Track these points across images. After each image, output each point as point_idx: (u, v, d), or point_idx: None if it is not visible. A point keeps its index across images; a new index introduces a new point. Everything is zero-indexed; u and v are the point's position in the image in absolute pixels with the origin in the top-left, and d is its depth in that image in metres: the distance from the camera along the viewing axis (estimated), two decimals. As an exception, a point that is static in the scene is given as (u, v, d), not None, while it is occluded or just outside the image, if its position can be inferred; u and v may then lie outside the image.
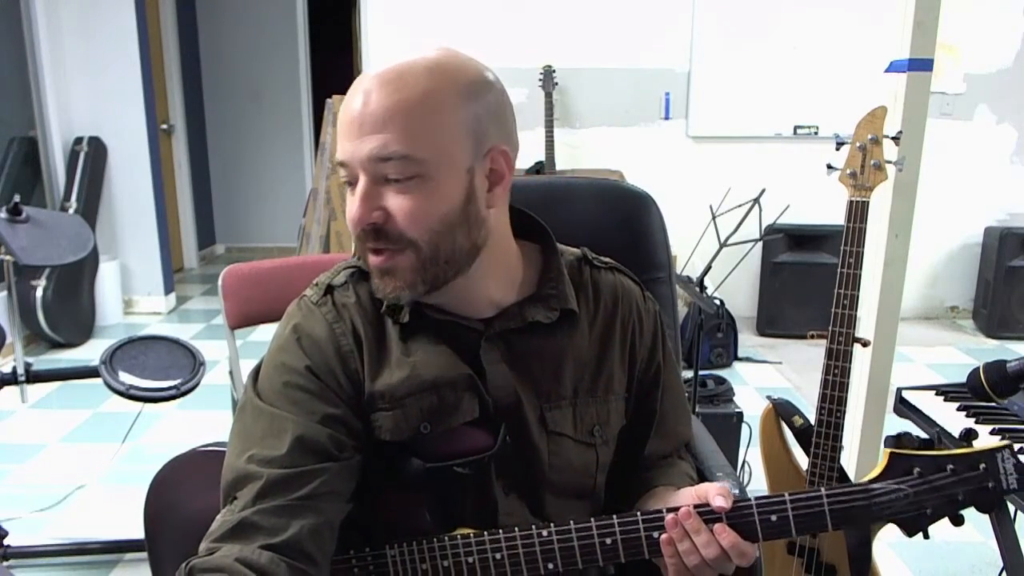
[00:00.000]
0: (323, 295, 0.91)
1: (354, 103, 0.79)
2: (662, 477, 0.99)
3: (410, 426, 0.86)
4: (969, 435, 0.82)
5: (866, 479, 0.81)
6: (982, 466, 0.78)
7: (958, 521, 0.80)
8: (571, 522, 0.83)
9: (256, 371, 0.90)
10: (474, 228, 0.84)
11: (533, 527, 0.83)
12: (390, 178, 0.80)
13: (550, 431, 0.91)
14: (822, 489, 0.79)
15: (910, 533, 0.80)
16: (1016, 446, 1.19)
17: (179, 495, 1.03)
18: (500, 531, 0.84)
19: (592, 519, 0.82)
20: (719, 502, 0.80)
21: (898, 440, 0.82)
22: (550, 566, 0.82)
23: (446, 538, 0.85)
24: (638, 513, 0.82)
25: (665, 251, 1.29)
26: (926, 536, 0.81)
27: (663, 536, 0.81)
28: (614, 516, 0.82)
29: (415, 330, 0.89)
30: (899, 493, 0.78)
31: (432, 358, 0.88)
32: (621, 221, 1.29)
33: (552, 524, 0.83)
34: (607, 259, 1.02)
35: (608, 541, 0.81)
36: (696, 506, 0.81)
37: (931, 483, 0.78)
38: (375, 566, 0.87)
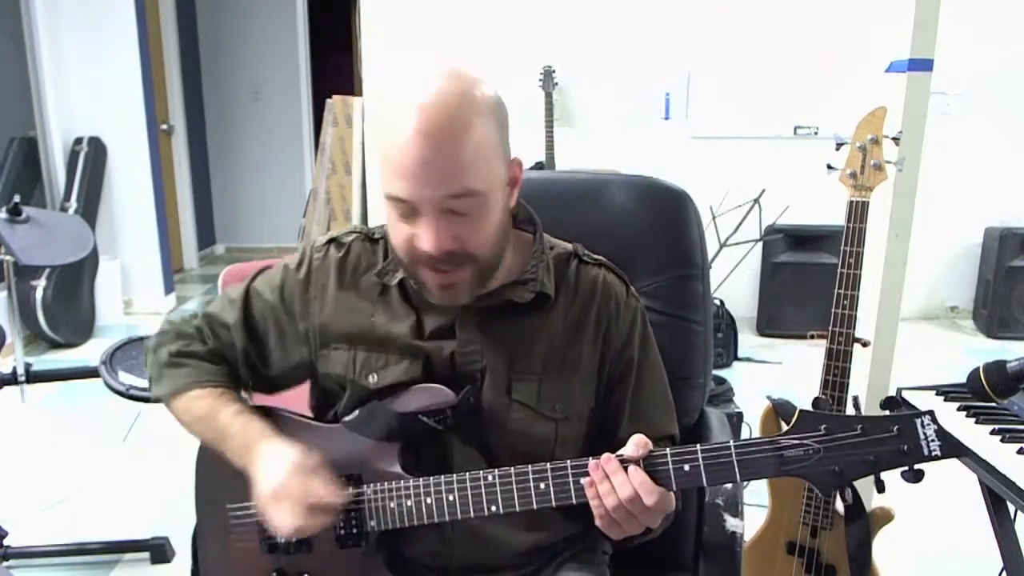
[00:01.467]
0: (324, 245, 1.08)
1: (414, 149, 0.86)
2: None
3: (356, 368, 1.02)
4: (891, 402, 0.85)
5: (775, 435, 0.84)
6: (895, 428, 0.79)
7: (880, 487, 0.82)
8: (512, 469, 0.92)
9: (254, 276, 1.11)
10: (508, 227, 0.99)
11: (480, 472, 0.93)
12: (457, 211, 0.89)
13: (513, 399, 1.01)
14: (730, 441, 0.85)
15: (825, 492, 0.83)
16: (997, 439, 1.19)
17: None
18: (454, 475, 0.94)
19: (530, 466, 0.92)
20: (631, 450, 0.88)
21: (814, 402, 0.86)
22: (493, 508, 0.92)
23: (411, 480, 0.96)
24: (568, 461, 0.91)
25: (700, 249, 1.30)
26: (844, 500, 0.85)
27: (586, 479, 0.89)
28: (547, 464, 0.91)
29: (399, 295, 1.03)
30: (805, 448, 0.81)
31: (398, 320, 1.02)
32: (656, 218, 1.30)
33: (496, 470, 0.92)
34: (599, 257, 1.10)
35: (541, 486, 0.91)
36: (618, 456, 0.89)
37: (838, 440, 0.81)
38: (354, 502, 0.98)
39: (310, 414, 1.12)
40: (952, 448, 0.79)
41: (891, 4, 1.85)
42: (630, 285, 1.09)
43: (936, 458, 0.78)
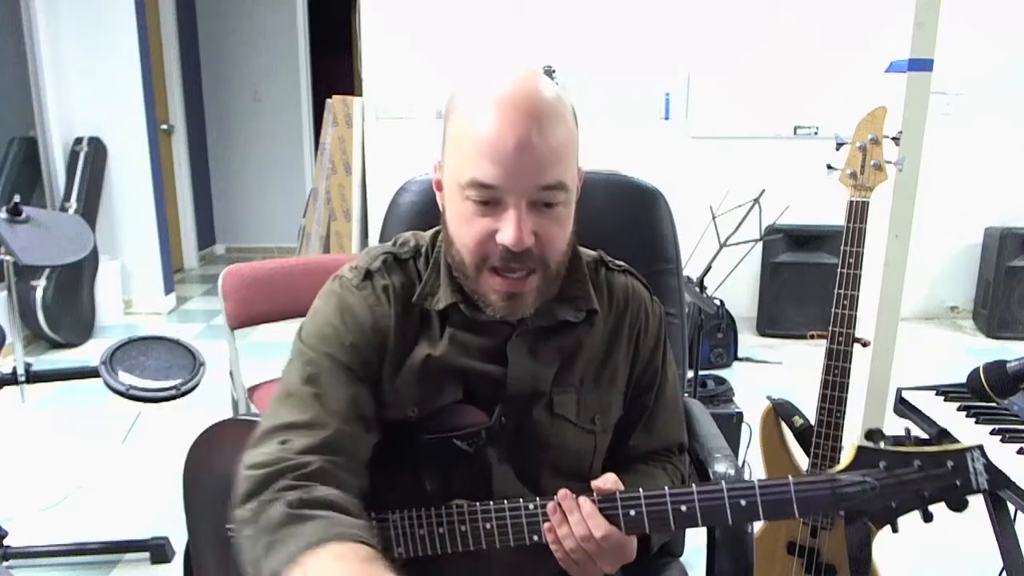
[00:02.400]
0: (363, 279, 0.96)
1: (513, 132, 0.82)
2: (627, 483, 1.00)
3: (401, 406, 0.93)
4: (941, 435, 0.84)
5: (834, 471, 0.83)
6: (949, 464, 0.80)
7: (927, 517, 0.82)
8: (556, 498, 0.88)
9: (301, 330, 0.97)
10: (574, 242, 0.95)
11: (521, 500, 0.89)
12: (546, 205, 0.85)
13: (555, 413, 0.97)
14: (790, 478, 0.83)
15: (878, 526, 0.83)
16: (997, 439, 1.19)
17: (212, 459, 1.09)
18: (491, 502, 0.90)
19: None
20: (598, 483, 0.87)
21: (868, 434, 0.85)
22: (535, 537, 0.88)
23: (443, 508, 0.91)
24: (617, 494, 0.87)
25: (673, 244, 1.33)
26: (895, 529, 0.83)
27: (545, 524, 0.87)
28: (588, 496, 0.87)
29: (435, 322, 0.95)
30: (864, 485, 0.81)
31: (436, 344, 0.94)
32: (630, 214, 1.33)
33: (538, 499, 0.89)
34: (620, 262, 1.08)
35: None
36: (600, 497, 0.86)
37: (897, 477, 0.81)
38: (379, 530, 0.91)
39: None
40: (998, 481, 0.81)
41: (891, 4, 1.85)
42: (652, 291, 1.08)
43: (984, 491, 0.80)
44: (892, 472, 0.81)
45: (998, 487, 0.80)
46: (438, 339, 0.95)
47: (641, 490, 0.86)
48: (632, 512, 0.85)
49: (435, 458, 0.92)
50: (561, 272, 0.93)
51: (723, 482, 0.84)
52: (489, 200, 0.85)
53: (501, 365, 0.95)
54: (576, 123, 0.91)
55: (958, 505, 0.80)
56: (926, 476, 0.80)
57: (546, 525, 0.87)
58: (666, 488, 0.85)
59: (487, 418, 0.93)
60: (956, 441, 0.84)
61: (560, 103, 0.87)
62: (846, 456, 0.83)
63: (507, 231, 0.84)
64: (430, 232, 1.02)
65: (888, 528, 0.81)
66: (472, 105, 0.86)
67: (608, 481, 0.88)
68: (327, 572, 0.72)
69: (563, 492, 0.87)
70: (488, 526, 0.89)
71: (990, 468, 0.80)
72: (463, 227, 0.88)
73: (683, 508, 0.84)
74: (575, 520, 0.85)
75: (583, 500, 0.86)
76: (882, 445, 0.83)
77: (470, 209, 0.86)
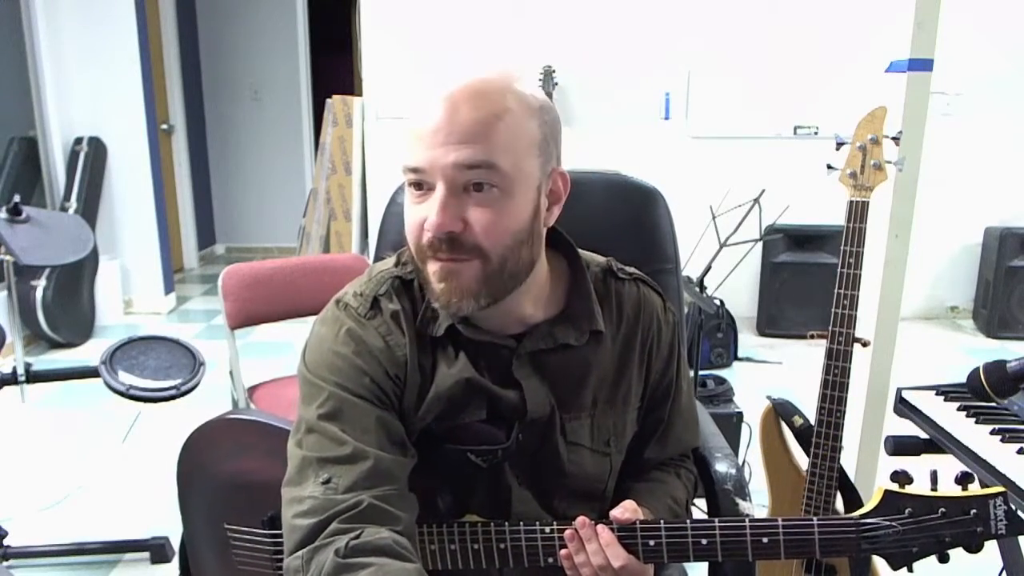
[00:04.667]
0: (371, 308, 0.91)
1: (437, 113, 0.82)
2: (643, 495, 1.00)
3: (417, 427, 0.91)
4: (965, 479, 0.84)
5: (857, 513, 0.83)
6: (973, 511, 0.81)
7: (944, 559, 0.82)
8: (572, 523, 0.86)
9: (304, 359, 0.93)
10: (536, 245, 0.89)
11: (537, 523, 0.88)
12: (472, 187, 0.82)
13: (569, 441, 0.95)
14: (815, 519, 0.83)
15: (895, 567, 0.83)
16: (997, 439, 1.19)
17: (205, 457, 1.08)
18: (506, 523, 0.88)
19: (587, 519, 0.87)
20: (617, 512, 0.86)
21: (893, 476, 0.84)
22: (550, 560, 0.87)
23: (455, 524, 0.89)
24: (638, 521, 0.86)
25: (672, 243, 1.33)
26: (910, 571, 0.84)
27: (562, 551, 0.86)
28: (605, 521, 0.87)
29: (446, 344, 0.92)
30: (889, 530, 0.81)
31: (455, 372, 0.91)
32: (629, 214, 1.33)
33: (555, 522, 0.87)
34: (631, 269, 1.04)
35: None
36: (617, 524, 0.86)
37: (921, 523, 0.81)
38: None
39: None
40: (1016, 528, 0.81)
41: (891, 4, 1.85)
42: (665, 297, 1.06)
43: (1001, 536, 0.81)
44: (917, 518, 0.81)
45: (1015, 533, 0.81)
46: (454, 359, 0.92)
47: (663, 522, 0.85)
48: (652, 543, 0.85)
49: (451, 470, 0.91)
50: (513, 268, 0.86)
51: (747, 519, 0.84)
52: (421, 186, 0.84)
53: (514, 388, 0.93)
54: (546, 121, 0.87)
55: (975, 549, 0.81)
56: (949, 523, 0.80)
57: (563, 552, 0.86)
58: (688, 522, 0.85)
59: (504, 439, 0.91)
60: (978, 483, 0.85)
61: (507, 91, 0.84)
62: (872, 499, 0.83)
63: (430, 214, 0.82)
64: None
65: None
66: (415, 103, 0.87)
67: (627, 511, 0.87)
68: None
69: (581, 520, 0.86)
70: (503, 546, 0.88)
71: (1010, 515, 0.81)
72: (407, 219, 0.87)
73: (704, 542, 0.84)
74: (592, 549, 0.85)
75: (601, 528, 0.85)
76: (907, 489, 0.83)
77: (410, 198, 0.86)
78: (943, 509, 0.81)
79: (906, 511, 0.81)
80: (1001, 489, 0.81)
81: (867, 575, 1.54)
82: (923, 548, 0.81)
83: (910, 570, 0.83)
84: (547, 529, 0.87)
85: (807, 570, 1.62)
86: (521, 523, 0.88)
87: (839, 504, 1.52)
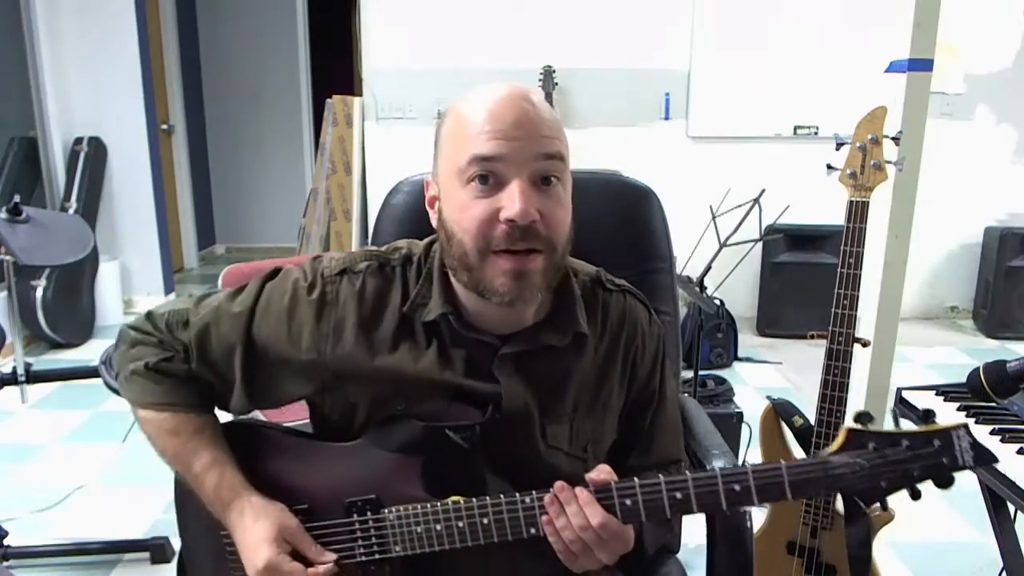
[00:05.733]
0: (337, 275, 0.97)
1: (516, 108, 0.87)
2: None
3: (385, 405, 0.95)
4: (927, 415, 0.86)
5: (825, 453, 0.84)
6: (936, 442, 0.82)
7: (916, 495, 0.84)
8: (552, 491, 0.88)
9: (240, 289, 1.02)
10: (572, 238, 0.94)
11: (517, 495, 0.89)
12: (541, 181, 0.87)
13: (549, 445, 0.97)
14: (782, 462, 0.84)
15: (868, 504, 0.85)
16: (997, 439, 1.19)
17: None
18: (487, 497, 0.89)
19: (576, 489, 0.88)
20: (592, 475, 0.87)
21: (857, 417, 0.86)
22: (532, 530, 0.88)
23: (439, 504, 0.90)
24: (611, 484, 0.88)
25: (666, 243, 1.33)
26: (884, 507, 0.86)
27: (543, 517, 0.87)
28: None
29: (424, 331, 0.95)
30: (855, 466, 0.82)
31: (424, 359, 0.94)
32: (623, 214, 1.33)
33: (534, 492, 0.88)
34: (621, 281, 1.06)
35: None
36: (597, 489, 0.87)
37: (886, 457, 0.82)
38: (376, 528, 0.93)
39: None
40: (983, 457, 0.83)
41: (891, 4, 1.85)
42: (652, 309, 1.07)
43: (969, 467, 0.82)
44: (881, 452, 0.82)
45: (983, 463, 0.83)
46: (424, 350, 0.94)
47: (636, 480, 0.86)
48: (628, 501, 0.86)
49: (429, 448, 0.92)
50: (562, 265, 0.92)
51: (717, 468, 0.86)
52: (491, 177, 0.86)
53: (492, 383, 0.95)
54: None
55: (945, 482, 0.82)
56: (914, 455, 0.82)
57: (543, 518, 0.87)
58: (661, 477, 0.86)
59: (480, 416, 0.93)
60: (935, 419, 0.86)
61: (551, 107, 0.91)
62: (837, 439, 0.85)
63: (512, 204, 0.84)
64: (424, 242, 1.01)
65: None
66: (465, 104, 0.90)
67: (602, 472, 0.88)
68: (163, 429, 0.99)
69: (559, 484, 0.87)
70: (486, 521, 0.89)
71: (975, 445, 0.82)
72: (464, 214, 0.87)
73: (678, 495, 0.85)
74: (572, 510, 0.86)
75: (579, 490, 0.86)
76: (870, 427, 0.84)
77: (471, 194, 0.87)
78: (906, 442, 0.82)
79: (870, 446, 0.83)
80: (964, 422, 0.83)
81: (867, 574, 1.54)
82: (892, 483, 0.82)
83: (884, 507, 0.85)
84: (527, 499, 0.88)
85: (807, 570, 1.62)
86: (502, 496, 0.89)
87: (839, 504, 1.52)
